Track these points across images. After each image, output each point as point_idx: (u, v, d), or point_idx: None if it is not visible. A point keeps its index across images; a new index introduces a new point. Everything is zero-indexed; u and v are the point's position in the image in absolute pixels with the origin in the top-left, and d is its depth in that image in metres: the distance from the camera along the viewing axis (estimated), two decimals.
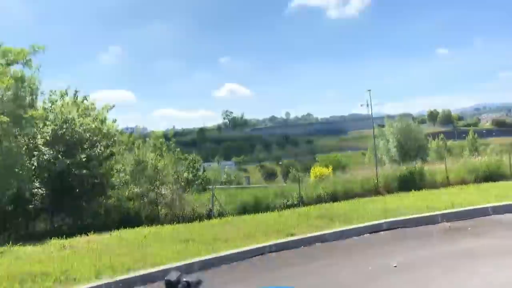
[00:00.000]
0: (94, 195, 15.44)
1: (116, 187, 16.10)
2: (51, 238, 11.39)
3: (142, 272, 6.37)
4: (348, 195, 15.56)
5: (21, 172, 13.65)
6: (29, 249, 9.57)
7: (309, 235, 8.18)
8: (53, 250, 9.20)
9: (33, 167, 14.34)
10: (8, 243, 10.47)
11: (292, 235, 8.48)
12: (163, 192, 16.05)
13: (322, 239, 8.00)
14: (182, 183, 19.50)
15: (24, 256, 8.60)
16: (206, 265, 6.72)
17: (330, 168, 23.15)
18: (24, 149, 14.25)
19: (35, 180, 14.37)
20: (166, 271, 6.39)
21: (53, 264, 7.32)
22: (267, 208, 15.19)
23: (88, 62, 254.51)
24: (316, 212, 11.43)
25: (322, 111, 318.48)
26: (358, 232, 8.39)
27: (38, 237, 12.65)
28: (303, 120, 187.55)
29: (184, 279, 2.25)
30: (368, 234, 8.42)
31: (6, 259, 8.42)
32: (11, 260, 8.18)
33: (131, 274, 6.23)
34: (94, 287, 5.74)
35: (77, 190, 14.96)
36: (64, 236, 11.47)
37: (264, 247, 7.43)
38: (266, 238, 8.27)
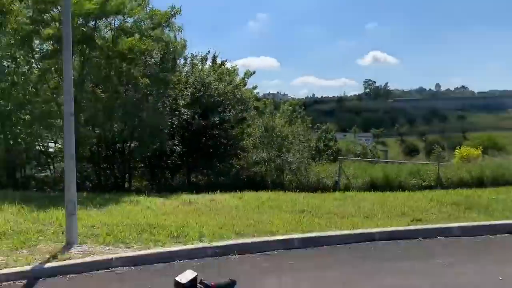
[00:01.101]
0: (225, 156, 16.22)
1: (245, 150, 16.64)
2: (182, 193, 12.28)
3: (245, 240, 6.27)
4: (497, 182, 13.46)
5: (164, 130, 14.88)
6: (160, 201, 10.38)
7: (434, 226, 7.13)
8: (179, 204, 9.81)
9: (173, 126, 15.52)
10: (149, 194, 11.56)
11: (418, 221, 7.53)
12: (290, 160, 16.02)
13: (448, 231, 6.89)
14: (313, 152, 19.27)
15: (154, 207, 9.32)
16: (306, 243, 6.29)
17: (480, 149, 20.39)
18: (168, 109, 15.43)
19: (174, 138, 15.59)
20: (265, 243, 6.24)
21: (173, 218, 7.73)
22: (399, 187, 14.05)
23: (236, 30, 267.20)
24: (452, 197, 10.06)
25: (479, 85, 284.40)
26: (496, 229, 6.96)
27: (173, 190, 13.79)
28: (455, 93, 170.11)
29: (200, 283, 1.90)
30: (508, 235, 6.94)
31: (139, 208, 9.23)
32: (142, 209, 8.91)
33: (233, 241, 6.18)
34: (197, 248, 5.82)
35: (210, 150, 15.85)
36: (194, 191, 12.26)
37: (374, 233, 6.67)
38: (386, 222, 7.50)
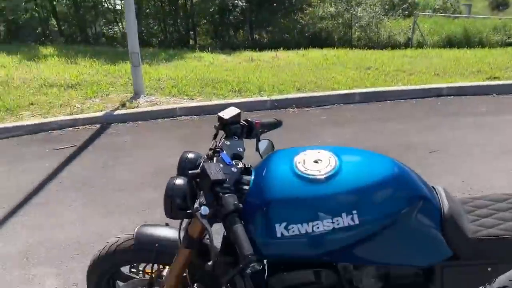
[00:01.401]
0: (289, 11, 15.39)
1: (311, 4, 15.62)
2: (245, 50, 12.16)
3: (305, 94, 6.20)
4: None
5: None
6: (223, 57, 10.38)
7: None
8: (242, 61, 9.76)
9: None
10: (212, 51, 11.59)
11: (495, 78, 6.95)
12: (360, 15, 14.90)
13: None
14: (386, 6, 17.72)
15: (216, 63, 9.38)
16: (368, 97, 6.10)
17: None
18: None
19: None
20: (326, 97, 6.14)
21: (236, 74, 7.76)
22: (479, 44, 12.81)
23: None
24: None
25: None
26: None
27: (236, 48, 13.67)
28: None
29: (244, 120, 1.82)
30: None
31: (202, 63, 9.34)
32: (205, 65, 9.01)
33: (292, 95, 6.14)
34: (256, 101, 5.88)
35: (274, 4, 15.05)
36: (257, 49, 12.07)
37: (443, 88, 6.25)
38: (458, 79, 7.00)
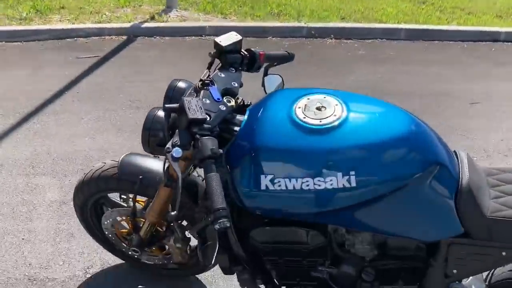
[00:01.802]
0: None
1: None
2: None
3: (346, 24, 5.72)
4: None
5: None
6: None
7: None
8: None
9: None
10: None
11: None
12: None
13: None
14: None
15: None
16: (415, 35, 5.52)
17: None
18: None
19: None
20: (368, 30, 5.63)
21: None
22: None
23: None
24: None
25: None
26: None
27: None
28: None
29: (246, 50, 1.52)
30: None
31: None
32: None
33: (332, 24, 5.67)
34: (293, 27, 5.48)
35: None
36: None
37: (500, 32, 5.55)
38: None
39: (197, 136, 1.20)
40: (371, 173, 1.24)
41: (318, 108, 1.31)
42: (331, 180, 1.23)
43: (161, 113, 1.41)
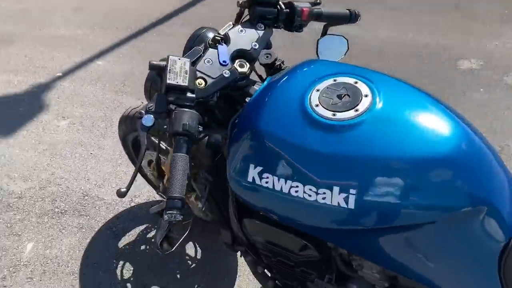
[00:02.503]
0: None
1: None
2: None
3: None
4: None
5: None
6: None
7: None
8: None
9: None
10: None
11: None
12: None
13: None
14: None
15: None
16: None
17: None
18: None
19: None
20: None
21: None
22: None
23: None
24: None
25: None
26: None
27: None
28: None
29: (283, 2, 1.19)
30: None
31: None
32: None
33: None
34: None
35: None
36: None
37: None
38: None
39: (172, 106, 1.02)
40: (379, 197, 0.92)
41: (340, 96, 1.00)
42: (324, 194, 0.94)
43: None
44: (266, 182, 1.01)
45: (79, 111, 2.74)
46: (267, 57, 1.27)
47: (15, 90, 2.93)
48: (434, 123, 0.95)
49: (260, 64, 1.33)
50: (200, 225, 1.91)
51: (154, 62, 1.06)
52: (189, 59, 1.06)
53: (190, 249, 1.96)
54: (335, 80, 1.03)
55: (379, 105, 0.96)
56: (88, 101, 2.82)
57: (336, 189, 0.93)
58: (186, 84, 1.01)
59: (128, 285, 1.83)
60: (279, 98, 1.07)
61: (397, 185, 0.91)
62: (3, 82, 3.00)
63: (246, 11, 1.24)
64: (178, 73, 1.02)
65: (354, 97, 0.98)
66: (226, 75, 1.10)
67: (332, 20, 1.30)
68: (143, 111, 1.02)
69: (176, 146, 0.98)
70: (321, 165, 0.95)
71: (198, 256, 1.94)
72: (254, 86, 1.20)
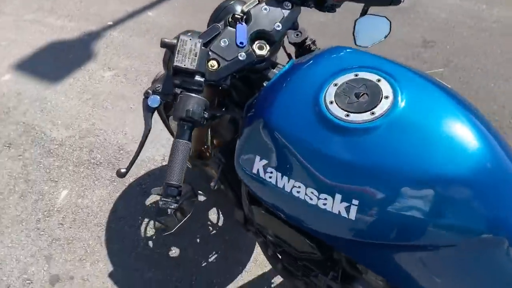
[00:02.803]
0: None
1: None
2: None
3: None
4: None
5: None
6: None
7: None
8: None
9: None
10: None
11: None
12: None
13: None
14: None
15: None
16: None
17: None
18: None
19: None
20: None
21: None
22: None
23: None
24: None
25: None
26: None
27: None
28: None
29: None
30: None
31: None
32: None
33: None
34: None
35: None
36: None
37: None
38: None
39: (177, 90, 0.97)
40: (382, 212, 0.84)
41: (357, 95, 0.90)
42: (325, 200, 0.88)
43: (191, 36, 1.18)
44: (270, 177, 0.97)
45: (124, 63, 2.76)
46: (297, 35, 1.17)
47: (68, 36, 2.99)
48: (457, 136, 0.83)
49: (289, 42, 1.24)
50: (225, 193, 1.91)
51: (166, 40, 1.01)
52: (201, 40, 1.00)
53: (213, 214, 1.98)
54: (356, 75, 0.93)
55: (399, 109, 0.86)
56: (134, 53, 2.83)
57: (338, 196, 0.86)
58: (194, 67, 0.96)
59: (150, 242, 1.89)
60: (295, 89, 0.99)
61: (405, 202, 0.83)
62: (58, 27, 3.08)
63: None
64: (187, 54, 0.96)
65: (373, 97, 0.88)
66: (242, 58, 1.02)
67: (370, 1, 1.17)
68: (150, 91, 0.99)
69: (179, 132, 0.95)
70: (325, 168, 0.88)
71: (220, 223, 1.96)
72: (274, 70, 1.12)
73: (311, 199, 0.90)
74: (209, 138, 1.52)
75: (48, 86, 2.61)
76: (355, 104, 0.89)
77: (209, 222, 1.96)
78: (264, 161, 0.97)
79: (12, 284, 1.77)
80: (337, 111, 0.89)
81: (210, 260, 1.84)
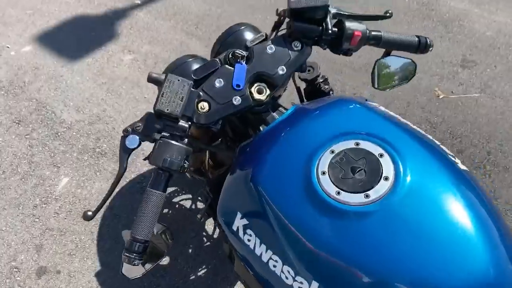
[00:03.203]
0: None
1: None
2: None
3: None
4: None
5: None
6: None
7: None
8: None
9: None
10: None
11: None
12: None
13: None
14: None
15: None
16: None
17: None
18: None
19: None
20: None
21: None
22: None
23: None
24: None
25: None
26: None
27: None
28: None
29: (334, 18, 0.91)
30: None
31: None
32: None
33: None
34: None
35: None
36: None
37: None
38: None
39: (156, 136, 0.88)
40: None
41: (354, 170, 0.79)
42: (301, 284, 0.78)
43: (194, 62, 1.08)
44: (248, 240, 0.88)
45: (146, 47, 2.68)
46: (308, 71, 1.06)
47: (94, 11, 2.93)
48: (458, 241, 0.72)
49: (299, 78, 1.12)
50: None
51: (154, 75, 0.92)
52: (190, 82, 0.90)
53: (209, 225, 1.92)
54: (357, 144, 0.82)
55: (398, 197, 0.75)
56: (157, 38, 2.74)
57: (315, 284, 0.77)
58: (178, 113, 0.86)
59: None
60: (289, 146, 0.88)
61: None
62: (86, 1, 3.01)
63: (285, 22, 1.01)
64: (173, 98, 0.87)
65: (371, 176, 0.77)
66: (236, 103, 0.92)
67: (393, 47, 1.03)
68: (129, 129, 0.90)
69: (153, 181, 0.87)
70: (306, 249, 0.78)
71: (215, 235, 1.89)
72: (274, 114, 1.01)
73: (286, 278, 0.81)
74: (207, 157, 1.43)
75: (65, 64, 2.56)
76: (349, 180, 0.78)
77: (204, 233, 1.90)
78: (245, 221, 0.88)
79: None
80: (328, 186, 0.78)
81: (199, 273, 1.79)
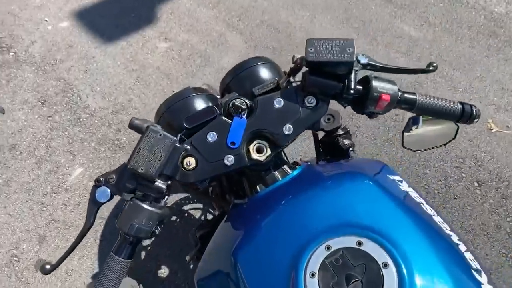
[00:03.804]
0: None
1: None
2: None
3: None
4: None
5: None
6: None
7: None
8: None
9: None
10: None
11: None
12: None
13: None
14: None
15: None
16: None
17: None
18: None
19: None
20: None
21: None
22: None
23: None
24: None
25: None
26: None
27: None
28: None
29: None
30: None
31: None
32: None
33: None
34: None
35: None
36: None
37: None
38: None
39: (126, 197, 0.76)
40: None
41: (349, 279, 0.64)
42: None
43: (192, 102, 0.93)
44: None
45: (183, 36, 2.56)
46: (328, 120, 0.89)
47: None
48: None
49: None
50: None
51: (137, 122, 0.78)
52: (173, 139, 0.76)
53: None
54: (359, 244, 0.66)
55: None
56: (197, 27, 2.61)
57: None
58: (154, 174, 0.73)
59: (143, 253, 1.77)
60: (283, 224, 0.74)
61: None
62: None
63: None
64: (150, 156, 0.74)
65: (370, 284, 0.62)
66: (228, 163, 0.78)
67: (430, 114, 0.85)
68: (102, 179, 0.79)
69: (118, 245, 0.75)
70: None
71: None
72: (275, 173, 0.86)
73: None
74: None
75: (99, 45, 2.50)
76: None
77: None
78: None
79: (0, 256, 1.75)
80: None
81: None
